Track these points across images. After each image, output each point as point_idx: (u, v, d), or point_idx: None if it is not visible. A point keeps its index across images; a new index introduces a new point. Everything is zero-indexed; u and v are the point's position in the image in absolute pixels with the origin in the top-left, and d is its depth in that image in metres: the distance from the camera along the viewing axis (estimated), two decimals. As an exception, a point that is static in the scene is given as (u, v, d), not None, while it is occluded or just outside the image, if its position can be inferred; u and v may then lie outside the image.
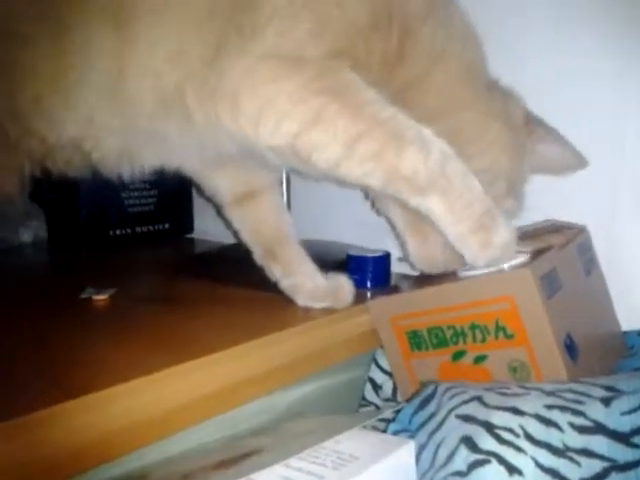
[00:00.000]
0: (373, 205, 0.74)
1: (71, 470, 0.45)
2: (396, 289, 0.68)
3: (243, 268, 0.76)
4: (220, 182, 0.71)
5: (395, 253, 0.77)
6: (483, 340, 0.58)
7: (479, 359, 0.59)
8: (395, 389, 0.68)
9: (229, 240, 0.93)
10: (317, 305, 0.66)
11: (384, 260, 0.76)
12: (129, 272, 0.62)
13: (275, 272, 0.69)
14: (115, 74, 0.54)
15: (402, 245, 0.71)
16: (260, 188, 0.72)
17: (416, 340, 0.63)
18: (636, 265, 0.68)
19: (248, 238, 0.72)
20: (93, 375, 0.50)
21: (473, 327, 0.59)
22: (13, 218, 1.01)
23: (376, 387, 0.69)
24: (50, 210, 1.01)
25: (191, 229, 1.11)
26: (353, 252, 0.76)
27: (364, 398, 0.70)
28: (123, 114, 0.56)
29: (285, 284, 0.69)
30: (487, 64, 0.67)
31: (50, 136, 0.58)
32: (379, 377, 0.69)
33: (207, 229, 1.06)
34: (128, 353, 0.55)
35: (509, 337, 0.57)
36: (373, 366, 0.70)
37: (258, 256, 0.71)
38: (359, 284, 0.71)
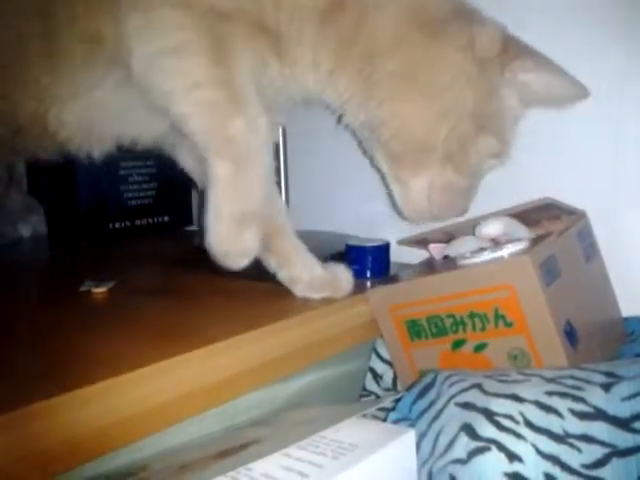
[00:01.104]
0: (365, 151, 0.71)
1: (70, 462, 0.45)
2: (395, 278, 0.67)
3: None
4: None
5: (394, 243, 0.77)
6: (483, 328, 0.58)
7: (479, 347, 0.59)
8: (395, 379, 0.68)
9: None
10: (316, 296, 0.66)
11: (383, 250, 0.75)
12: (128, 265, 0.62)
13: (271, 264, 0.68)
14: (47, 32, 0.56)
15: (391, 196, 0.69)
16: None
17: (415, 329, 0.63)
18: (637, 250, 0.68)
19: None
20: (92, 367, 0.49)
21: (472, 315, 0.58)
22: (12, 213, 1.01)
23: (377, 377, 0.69)
24: (49, 204, 1.01)
25: (190, 221, 1.11)
26: (352, 242, 0.75)
27: (365, 388, 0.70)
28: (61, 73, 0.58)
29: (282, 276, 0.67)
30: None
31: (12, 116, 0.59)
32: (379, 367, 0.69)
33: (207, 221, 1.05)
34: (127, 345, 0.54)
35: (509, 325, 0.57)
36: (373, 356, 0.70)
37: None
38: (359, 274, 0.71)
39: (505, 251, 0.58)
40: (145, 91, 0.56)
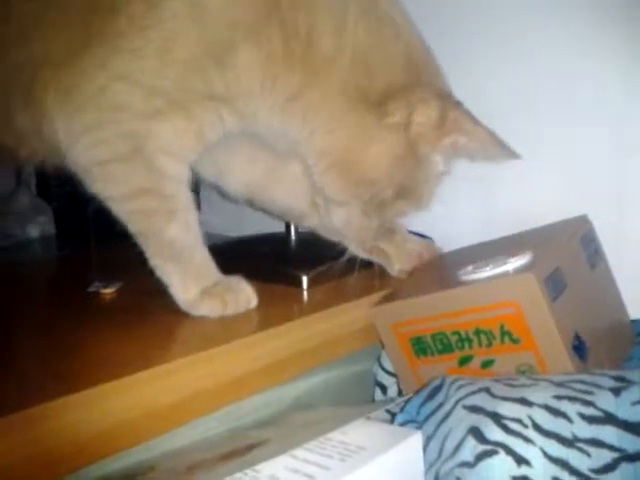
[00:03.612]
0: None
1: (76, 463, 0.45)
2: (398, 295, 0.66)
3: (249, 260, 0.76)
4: None
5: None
6: (489, 345, 0.57)
7: (486, 364, 0.58)
8: (401, 391, 0.67)
9: (236, 233, 0.93)
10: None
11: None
12: (136, 266, 0.62)
13: None
14: None
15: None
16: None
17: (421, 346, 0.62)
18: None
19: None
20: (99, 368, 0.50)
21: (478, 332, 0.58)
22: (20, 214, 1.01)
23: (384, 389, 0.69)
24: (58, 205, 1.01)
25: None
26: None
27: (373, 400, 0.69)
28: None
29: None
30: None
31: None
32: (385, 379, 0.68)
33: (214, 223, 1.06)
34: (134, 345, 0.55)
35: (515, 341, 0.56)
36: (378, 369, 0.69)
37: None
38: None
39: (509, 265, 0.57)
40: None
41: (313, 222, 0.75)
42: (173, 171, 0.60)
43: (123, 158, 0.58)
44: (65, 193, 0.99)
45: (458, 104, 0.63)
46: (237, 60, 0.58)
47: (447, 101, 0.62)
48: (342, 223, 0.68)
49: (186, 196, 0.62)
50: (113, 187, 0.60)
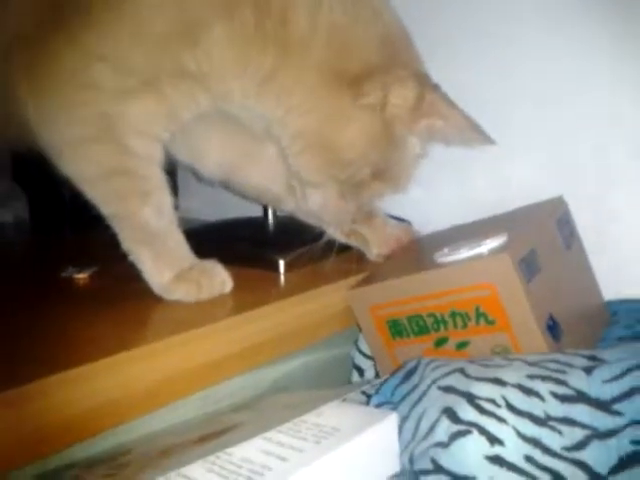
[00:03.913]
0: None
1: (48, 447, 0.44)
2: (374, 278, 0.66)
3: (225, 245, 0.75)
4: None
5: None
6: (464, 326, 0.58)
7: (461, 345, 0.58)
8: (378, 374, 0.67)
9: (213, 218, 0.92)
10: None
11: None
12: (111, 251, 0.61)
13: None
14: None
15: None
16: None
17: (397, 328, 0.62)
18: (622, 234, 0.68)
19: None
20: (71, 351, 0.49)
21: (453, 314, 0.58)
22: (-6, 198, 0.99)
23: (360, 372, 0.69)
24: (33, 190, 0.99)
25: (175, 207, 1.09)
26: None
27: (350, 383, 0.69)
28: None
29: None
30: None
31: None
32: (362, 362, 0.68)
33: (192, 207, 1.05)
34: (106, 329, 0.54)
35: (490, 323, 0.56)
36: (356, 352, 0.69)
37: None
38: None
39: (485, 247, 0.57)
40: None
41: (290, 205, 0.74)
42: (145, 151, 0.59)
43: (95, 138, 0.57)
44: (41, 178, 0.97)
45: (435, 87, 0.62)
46: (210, 38, 0.57)
47: (424, 83, 0.61)
48: (318, 206, 0.67)
49: (159, 177, 0.61)
50: (85, 168, 0.59)
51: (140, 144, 0.59)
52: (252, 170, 0.73)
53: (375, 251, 0.73)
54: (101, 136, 0.57)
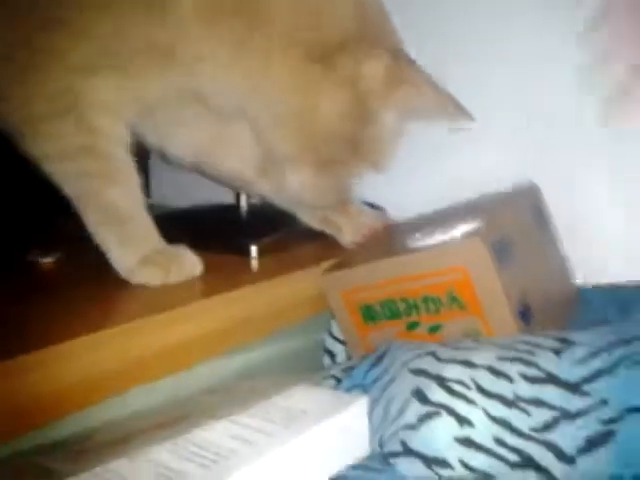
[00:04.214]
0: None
1: (9, 431, 0.43)
2: (347, 263, 0.66)
3: (196, 230, 0.74)
4: None
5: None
6: (437, 311, 0.57)
7: (434, 329, 0.58)
8: (350, 358, 0.66)
9: (186, 204, 0.91)
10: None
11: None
12: (80, 236, 0.60)
13: None
14: None
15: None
16: None
17: (369, 313, 0.61)
18: (593, 220, 0.68)
19: None
20: (35, 335, 0.48)
21: (426, 300, 0.58)
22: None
23: (332, 357, 0.68)
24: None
25: (147, 194, 1.08)
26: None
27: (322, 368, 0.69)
28: None
29: None
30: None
31: None
32: (335, 347, 0.68)
33: (165, 193, 1.03)
34: (71, 313, 0.53)
35: (462, 307, 0.56)
36: (327, 337, 0.68)
37: None
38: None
39: (457, 231, 0.57)
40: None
41: (264, 189, 0.73)
42: (110, 129, 0.58)
43: (57, 114, 0.55)
44: (5, 160, 0.95)
45: (410, 61, 0.61)
46: (179, 7, 0.55)
47: (398, 56, 0.60)
48: (297, 186, 0.65)
49: (125, 158, 0.59)
50: (48, 145, 0.57)
51: (105, 121, 0.57)
52: (223, 153, 0.71)
53: (348, 238, 0.73)
54: (63, 111, 0.56)
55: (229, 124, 0.69)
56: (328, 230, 0.74)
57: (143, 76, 0.58)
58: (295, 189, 0.66)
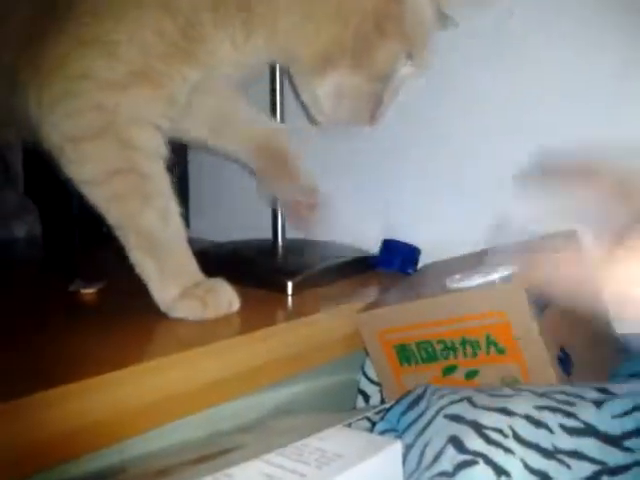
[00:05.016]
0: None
1: (46, 462, 0.44)
2: (384, 302, 0.65)
3: (233, 265, 0.75)
4: None
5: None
6: (474, 355, 0.57)
7: (470, 374, 0.58)
8: (384, 401, 0.66)
9: (224, 239, 0.93)
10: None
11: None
12: (120, 268, 0.61)
13: None
14: None
15: None
16: None
17: (405, 354, 0.61)
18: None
19: None
20: (72, 366, 0.49)
21: (464, 342, 0.57)
22: (7, 213, 1.00)
23: (366, 398, 0.67)
24: (44, 205, 1.00)
25: (187, 227, 1.09)
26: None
27: (355, 408, 0.68)
28: None
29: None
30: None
31: None
32: (368, 388, 0.67)
33: (203, 228, 1.05)
34: (112, 345, 0.54)
35: (500, 352, 0.55)
36: (362, 377, 0.68)
37: None
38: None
39: (497, 275, 0.56)
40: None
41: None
42: (146, 143, 0.57)
43: (95, 134, 0.56)
44: (52, 193, 0.98)
45: None
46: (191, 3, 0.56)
47: None
48: (332, 95, 0.63)
49: (163, 178, 0.59)
50: (87, 168, 0.57)
51: (140, 135, 0.57)
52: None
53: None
54: (100, 131, 0.56)
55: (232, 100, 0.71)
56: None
57: (171, 83, 0.58)
58: (331, 102, 0.63)
